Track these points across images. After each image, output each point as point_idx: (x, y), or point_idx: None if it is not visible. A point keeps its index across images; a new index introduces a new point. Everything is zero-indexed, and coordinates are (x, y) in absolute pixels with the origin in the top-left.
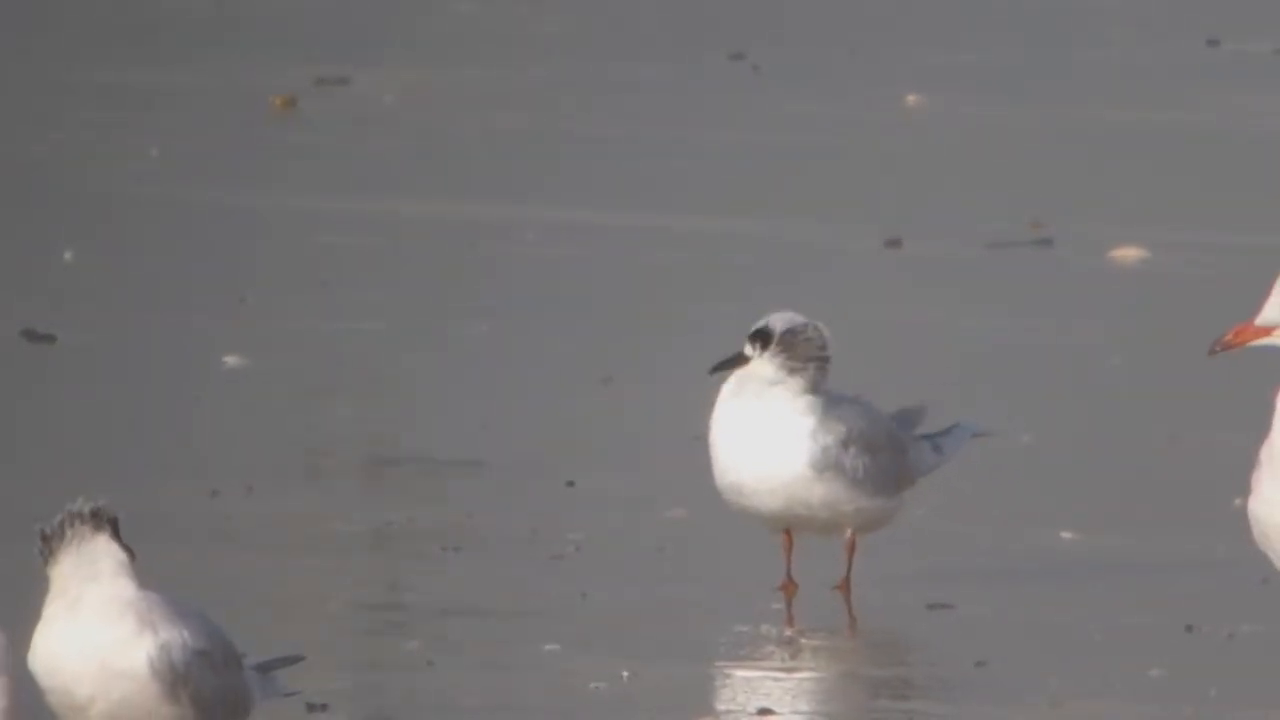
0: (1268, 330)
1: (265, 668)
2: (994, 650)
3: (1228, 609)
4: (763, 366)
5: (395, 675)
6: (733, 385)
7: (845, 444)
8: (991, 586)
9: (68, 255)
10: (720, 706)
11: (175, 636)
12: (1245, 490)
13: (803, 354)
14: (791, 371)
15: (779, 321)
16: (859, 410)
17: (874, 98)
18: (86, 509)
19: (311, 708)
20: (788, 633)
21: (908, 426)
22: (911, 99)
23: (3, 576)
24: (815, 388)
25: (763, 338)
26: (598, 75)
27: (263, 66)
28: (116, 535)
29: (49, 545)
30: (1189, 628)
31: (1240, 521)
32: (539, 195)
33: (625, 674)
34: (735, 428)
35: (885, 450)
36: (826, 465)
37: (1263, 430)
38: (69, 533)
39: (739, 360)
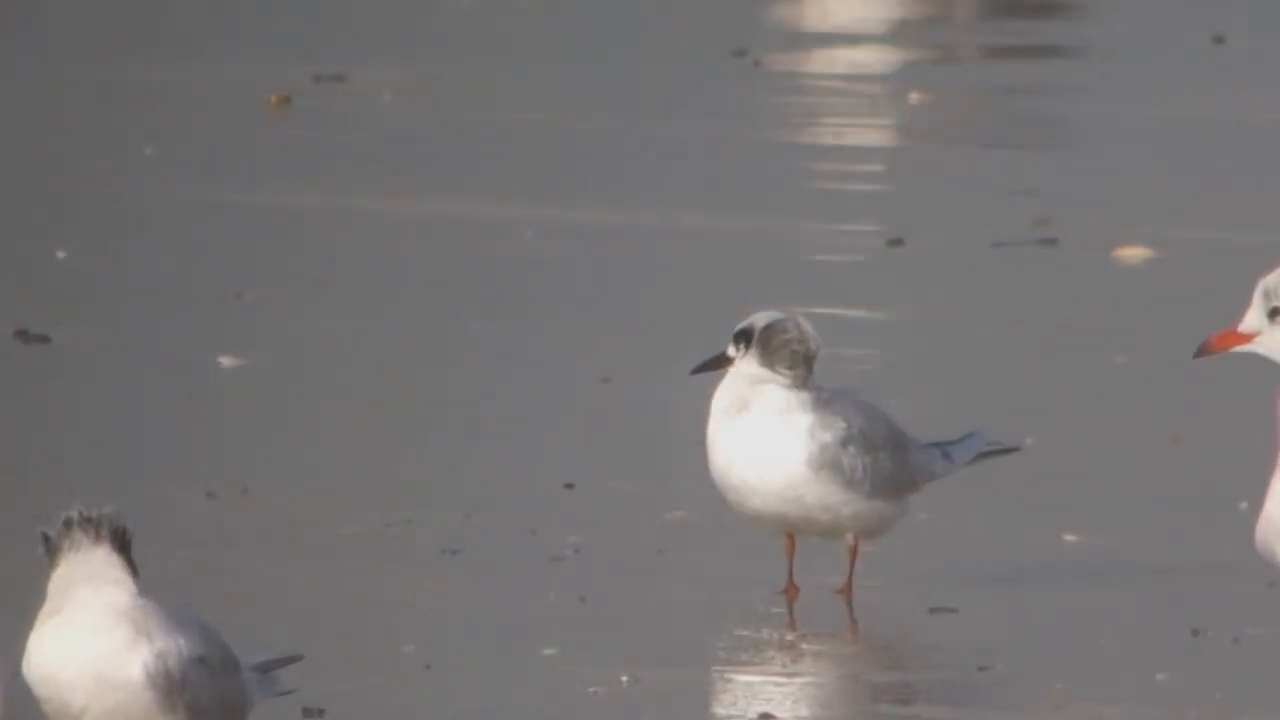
0: (1249, 336)
1: (265, 667)
2: (997, 654)
3: (1234, 612)
4: (747, 365)
5: (392, 679)
6: (724, 389)
7: (844, 443)
8: (994, 590)
9: (61, 255)
10: (721, 711)
11: (171, 645)
12: (1251, 492)
13: (784, 351)
14: (774, 368)
15: (761, 319)
16: (857, 407)
17: (875, 96)
18: (87, 518)
19: (308, 712)
20: (789, 636)
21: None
22: (914, 96)
23: None
24: (803, 383)
25: (746, 337)
26: (597, 73)
27: (259, 64)
28: (124, 550)
29: (49, 551)
30: (1195, 631)
31: (1246, 524)
32: (539, 194)
33: (624, 678)
34: (730, 428)
35: (885, 449)
36: (824, 464)
37: (1268, 432)
38: (67, 540)
39: (721, 361)
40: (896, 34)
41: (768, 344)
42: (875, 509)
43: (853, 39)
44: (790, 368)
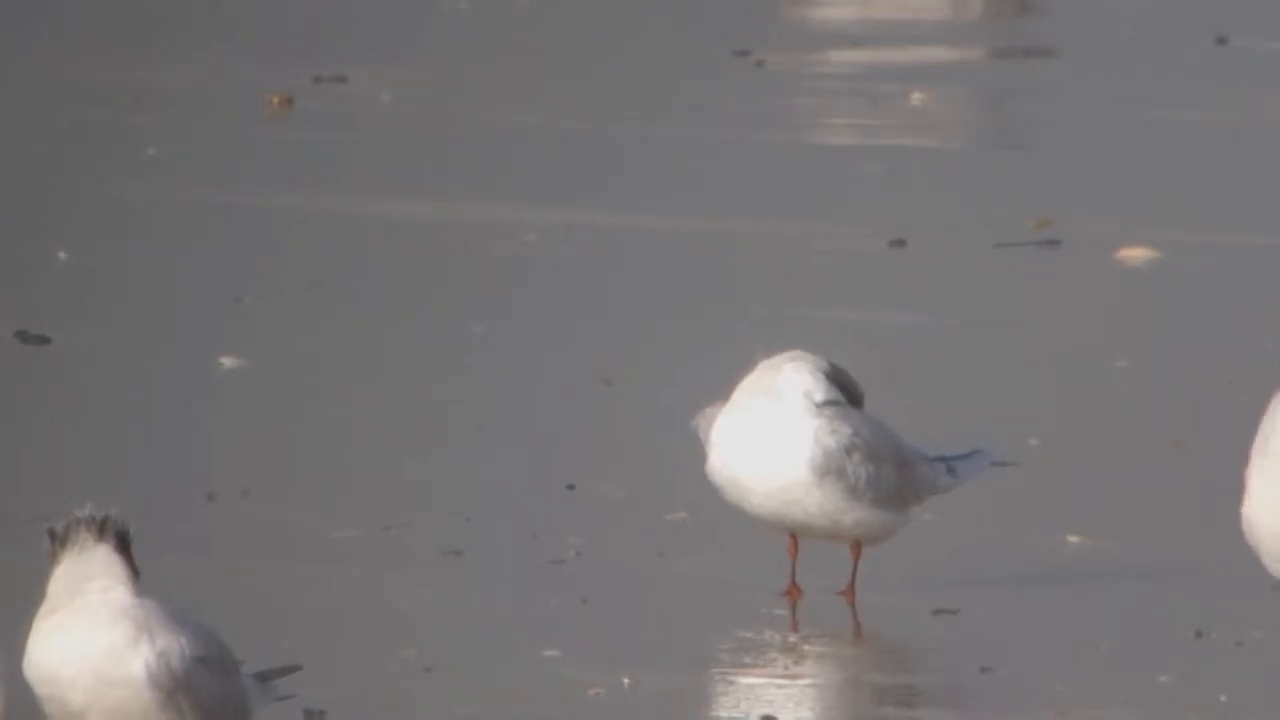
0: None
1: (264, 677)
2: (1000, 656)
3: (1237, 615)
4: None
5: (393, 682)
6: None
7: (849, 450)
8: (997, 592)
9: (62, 255)
10: (723, 713)
11: (173, 644)
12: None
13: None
14: (843, 384)
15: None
16: (864, 419)
17: (877, 96)
18: (91, 517)
19: (309, 714)
20: (791, 638)
21: None
22: (916, 97)
23: None
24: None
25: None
26: (598, 74)
27: (260, 65)
28: (125, 550)
29: (53, 548)
30: (1198, 634)
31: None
32: (539, 195)
33: (626, 681)
34: (739, 424)
35: (889, 462)
36: (828, 470)
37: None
38: (71, 539)
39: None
40: (898, 35)
41: (844, 381)
42: (876, 518)
43: (855, 40)
44: (843, 392)
